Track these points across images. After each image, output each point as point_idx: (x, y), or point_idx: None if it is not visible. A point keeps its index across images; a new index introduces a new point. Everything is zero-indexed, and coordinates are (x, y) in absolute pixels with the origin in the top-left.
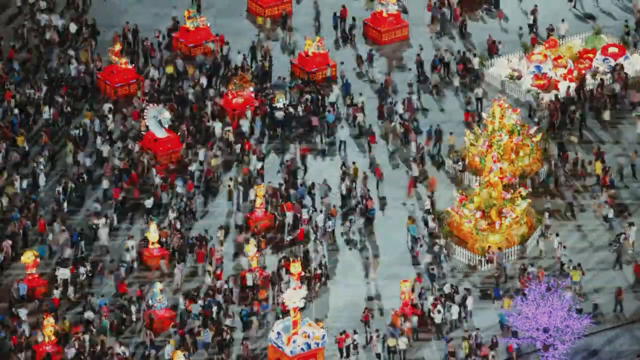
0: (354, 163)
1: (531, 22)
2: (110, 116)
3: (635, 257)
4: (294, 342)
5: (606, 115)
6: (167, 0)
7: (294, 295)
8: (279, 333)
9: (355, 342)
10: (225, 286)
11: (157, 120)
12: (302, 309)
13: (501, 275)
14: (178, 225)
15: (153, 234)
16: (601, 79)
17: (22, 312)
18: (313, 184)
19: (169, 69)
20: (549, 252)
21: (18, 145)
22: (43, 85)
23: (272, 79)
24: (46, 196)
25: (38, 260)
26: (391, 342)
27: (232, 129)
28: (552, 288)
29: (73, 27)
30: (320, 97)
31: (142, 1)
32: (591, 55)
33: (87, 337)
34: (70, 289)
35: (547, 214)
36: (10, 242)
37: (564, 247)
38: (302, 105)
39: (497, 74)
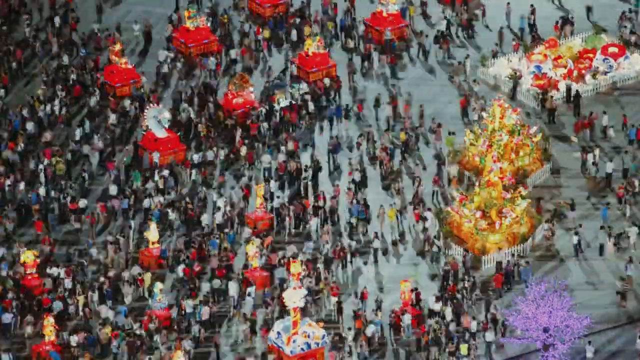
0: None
1: (530, 22)
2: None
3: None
4: (294, 342)
5: None
6: None
7: (294, 295)
8: (279, 333)
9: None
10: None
11: (157, 120)
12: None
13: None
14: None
15: (153, 233)
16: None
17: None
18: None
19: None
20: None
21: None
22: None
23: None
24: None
25: (38, 260)
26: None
27: None
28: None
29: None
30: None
31: None
32: (591, 55)
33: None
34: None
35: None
36: None
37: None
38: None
39: (497, 73)
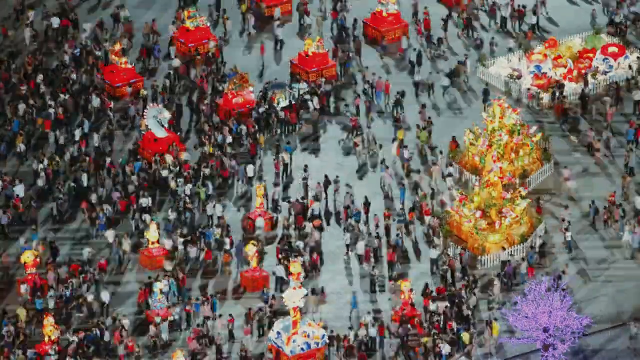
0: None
1: (534, 21)
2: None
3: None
4: (294, 342)
5: (637, 96)
6: None
7: (294, 295)
8: (279, 333)
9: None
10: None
11: (157, 120)
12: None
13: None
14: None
15: (153, 233)
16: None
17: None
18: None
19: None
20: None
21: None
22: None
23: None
24: None
25: (38, 260)
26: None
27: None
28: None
29: (56, 22)
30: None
31: None
32: (591, 55)
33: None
34: None
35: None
36: None
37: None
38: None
39: (497, 73)
